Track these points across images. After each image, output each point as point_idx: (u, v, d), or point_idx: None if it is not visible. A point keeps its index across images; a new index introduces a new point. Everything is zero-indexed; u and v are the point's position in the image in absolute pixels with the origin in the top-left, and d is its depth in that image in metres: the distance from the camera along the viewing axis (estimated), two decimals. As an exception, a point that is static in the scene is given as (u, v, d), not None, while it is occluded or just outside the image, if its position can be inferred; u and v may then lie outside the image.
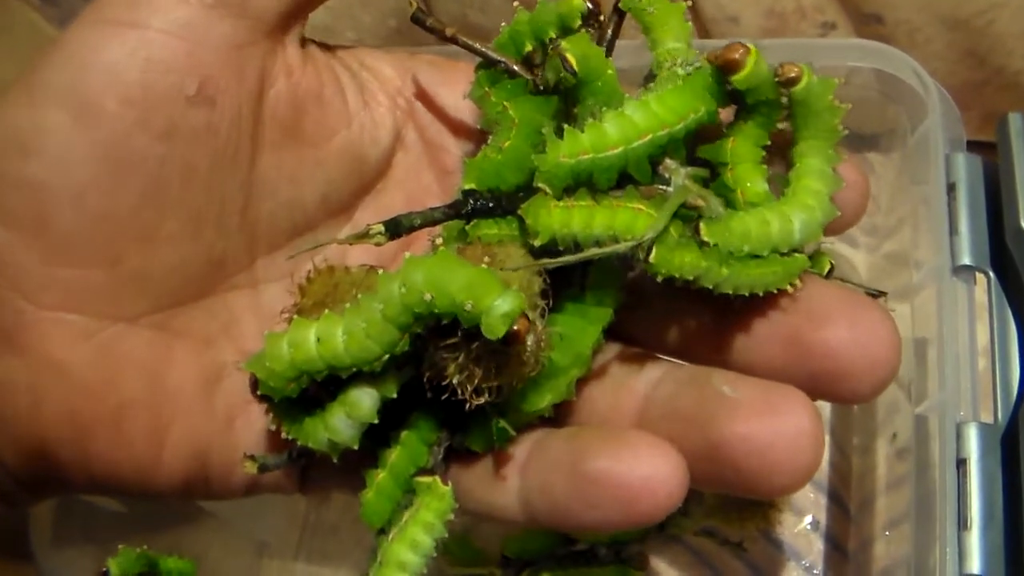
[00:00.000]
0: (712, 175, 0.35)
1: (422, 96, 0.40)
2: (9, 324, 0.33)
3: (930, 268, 0.45)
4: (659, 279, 0.31)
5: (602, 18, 0.37)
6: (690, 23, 0.36)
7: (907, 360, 0.47)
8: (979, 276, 0.44)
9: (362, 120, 0.39)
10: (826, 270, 0.38)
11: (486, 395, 0.31)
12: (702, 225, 0.32)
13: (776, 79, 0.32)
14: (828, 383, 0.32)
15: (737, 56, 0.31)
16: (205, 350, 0.36)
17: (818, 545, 0.57)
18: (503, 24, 0.37)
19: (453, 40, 0.37)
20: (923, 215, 0.47)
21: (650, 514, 0.31)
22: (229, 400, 0.37)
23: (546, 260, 0.32)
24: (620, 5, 0.37)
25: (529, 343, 0.30)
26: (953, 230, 0.45)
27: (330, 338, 0.31)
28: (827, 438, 0.60)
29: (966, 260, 0.44)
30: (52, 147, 0.32)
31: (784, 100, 0.33)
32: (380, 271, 0.34)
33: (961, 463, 0.40)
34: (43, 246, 0.33)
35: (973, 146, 0.47)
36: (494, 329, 0.29)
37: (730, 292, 0.32)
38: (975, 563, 0.38)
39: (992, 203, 0.45)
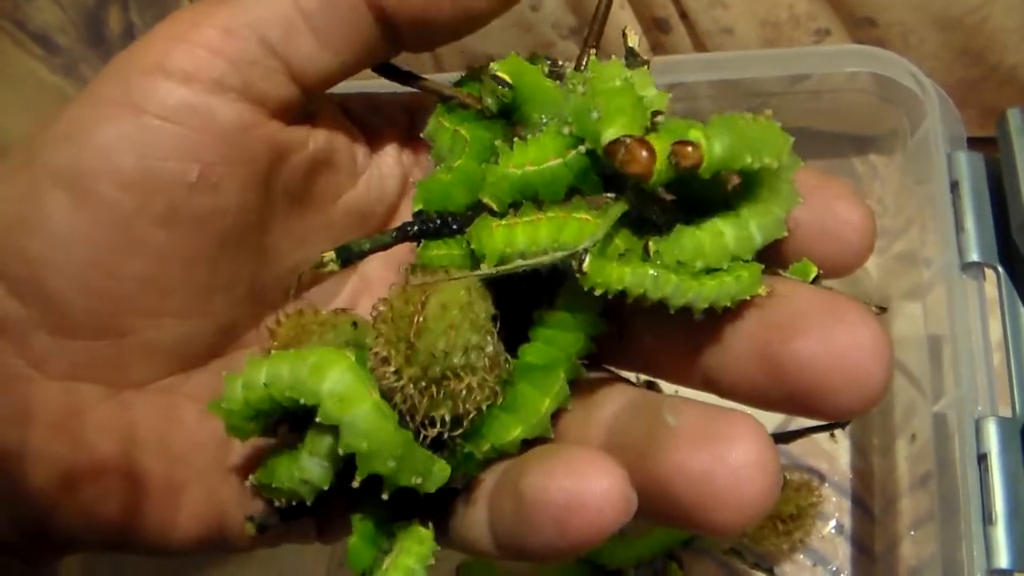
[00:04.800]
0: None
1: (425, 148, 0.39)
2: (18, 393, 0.32)
3: (939, 266, 0.45)
4: (596, 292, 0.29)
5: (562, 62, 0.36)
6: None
7: (922, 359, 0.47)
8: (988, 272, 0.45)
9: (369, 176, 0.38)
10: (811, 276, 0.34)
11: (438, 425, 0.30)
12: (651, 243, 0.30)
13: (674, 166, 0.28)
14: (806, 400, 0.29)
15: (639, 171, 0.28)
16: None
17: (844, 549, 0.57)
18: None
19: (408, 81, 0.37)
20: (929, 214, 0.48)
21: (586, 534, 0.28)
22: (242, 459, 0.36)
23: (473, 271, 0.30)
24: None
25: (477, 367, 0.30)
26: (959, 228, 0.45)
27: (277, 379, 0.31)
28: (847, 441, 0.60)
29: (974, 256, 0.44)
30: (52, 225, 0.31)
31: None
32: (350, 313, 0.35)
33: (982, 458, 0.40)
34: (47, 317, 0.32)
35: (974, 142, 0.48)
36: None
37: (683, 306, 0.29)
38: (1003, 558, 0.38)
39: (996, 199, 0.46)
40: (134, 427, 0.34)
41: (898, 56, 0.50)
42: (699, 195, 0.31)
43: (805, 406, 0.29)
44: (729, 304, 0.29)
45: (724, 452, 0.27)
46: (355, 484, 0.31)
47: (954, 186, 0.46)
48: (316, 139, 0.36)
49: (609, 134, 0.29)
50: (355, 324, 0.34)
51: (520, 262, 0.30)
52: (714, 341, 0.31)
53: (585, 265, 0.28)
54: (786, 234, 0.30)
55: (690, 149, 0.27)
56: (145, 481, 0.34)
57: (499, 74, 0.33)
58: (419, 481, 0.31)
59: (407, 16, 0.33)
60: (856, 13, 0.59)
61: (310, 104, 0.36)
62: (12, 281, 0.32)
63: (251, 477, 0.34)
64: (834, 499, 0.59)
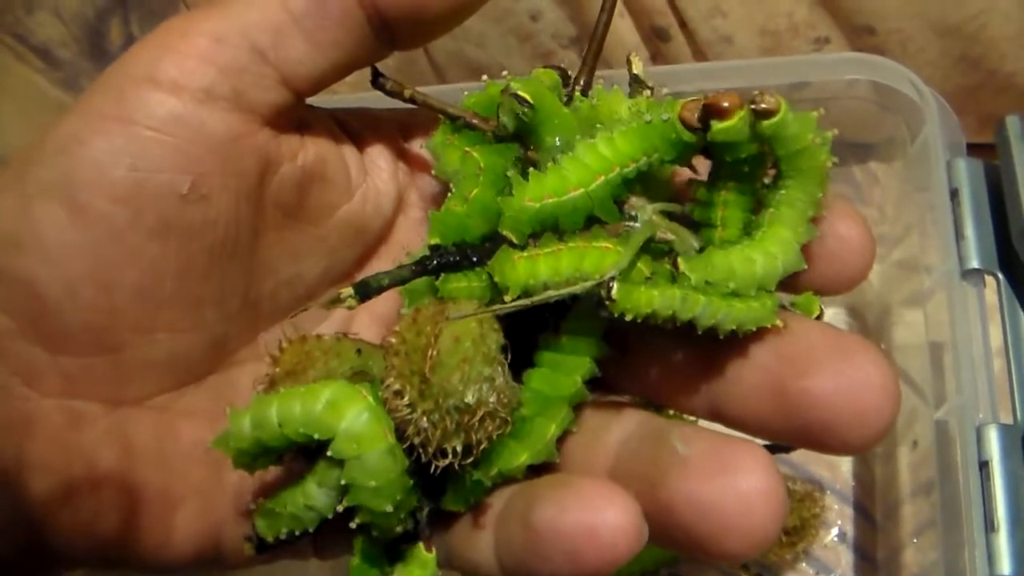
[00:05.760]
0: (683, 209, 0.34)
1: (421, 163, 0.40)
2: (13, 411, 0.32)
3: (939, 273, 0.45)
4: (627, 318, 0.29)
5: (570, 73, 0.37)
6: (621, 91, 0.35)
7: (923, 366, 0.47)
8: (988, 279, 0.45)
9: (364, 190, 0.38)
10: (815, 314, 0.35)
11: (450, 456, 0.30)
12: (681, 260, 0.30)
13: (751, 106, 0.29)
14: (815, 435, 0.29)
15: (726, 104, 0.29)
16: (211, 428, 0.34)
17: (846, 557, 0.57)
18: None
19: (412, 100, 0.37)
20: (929, 221, 0.48)
21: (598, 566, 0.28)
22: (238, 476, 0.35)
23: (497, 306, 0.31)
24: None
25: (489, 400, 0.30)
26: (959, 235, 0.45)
27: (289, 417, 0.31)
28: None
29: (974, 263, 0.44)
30: (44, 241, 0.31)
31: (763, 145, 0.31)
32: (354, 339, 0.34)
33: (984, 465, 0.40)
34: (42, 334, 0.32)
35: (972, 149, 0.48)
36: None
37: (709, 327, 0.30)
38: (1005, 564, 0.38)
39: (995, 205, 0.46)
40: (130, 444, 0.34)
41: (897, 64, 0.50)
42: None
43: (813, 440, 0.30)
44: (753, 329, 0.30)
45: (735, 482, 0.28)
46: (340, 508, 0.31)
47: (954, 193, 0.46)
48: (308, 150, 0.36)
49: (684, 101, 0.30)
50: (359, 351, 0.34)
51: (551, 293, 0.30)
52: (723, 372, 0.32)
53: (614, 292, 0.29)
54: (805, 267, 0.31)
55: (768, 97, 0.28)
56: (140, 498, 0.34)
57: (520, 93, 0.32)
58: (399, 530, 0.32)
59: (400, 11, 0.33)
60: (855, 21, 0.60)
61: (303, 110, 0.36)
62: (5, 299, 0.32)
63: (252, 503, 0.34)
64: (836, 507, 0.58)
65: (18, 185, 0.32)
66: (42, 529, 0.33)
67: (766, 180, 0.32)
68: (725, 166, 0.31)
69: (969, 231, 0.45)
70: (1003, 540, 0.39)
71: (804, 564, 0.57)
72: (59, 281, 0.31)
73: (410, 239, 0.39)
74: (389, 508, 0.31)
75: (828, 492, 0.59)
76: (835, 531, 0.58)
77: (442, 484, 0.33)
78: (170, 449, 0.35)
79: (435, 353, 0.30)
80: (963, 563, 0.40)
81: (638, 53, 0.65)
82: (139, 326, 0.33)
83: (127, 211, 0.31)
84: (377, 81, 0.37)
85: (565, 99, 0.36)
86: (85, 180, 0.31)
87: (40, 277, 0.31)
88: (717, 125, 0.29)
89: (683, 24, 0.62)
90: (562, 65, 0.38)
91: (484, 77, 0.37)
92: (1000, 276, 0.44)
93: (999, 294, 0.44)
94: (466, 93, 0.37)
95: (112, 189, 0.31)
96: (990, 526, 0.39)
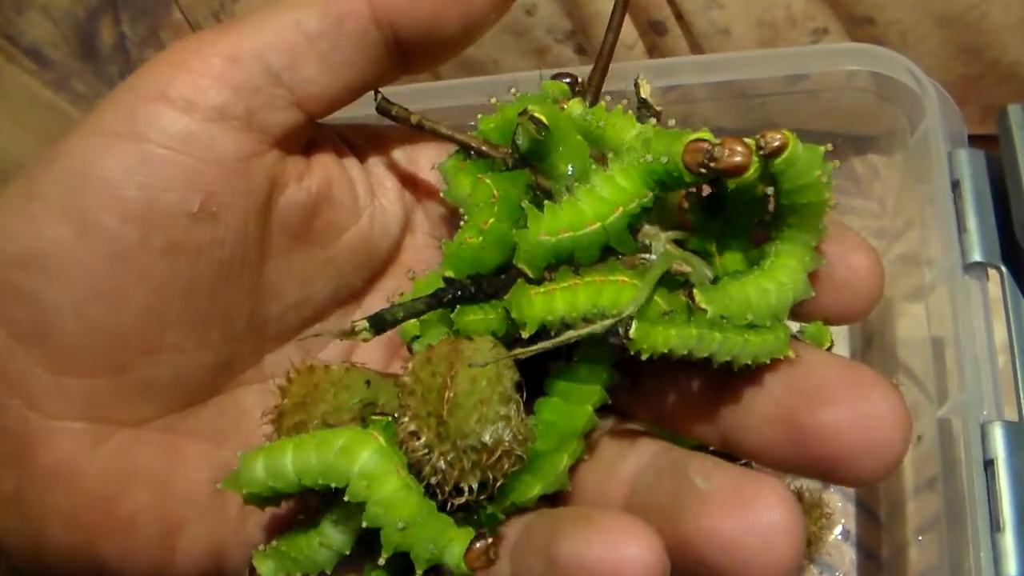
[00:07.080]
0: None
1: (427, 182, 0.40)
2: (14, 433, 0.32)
3: (941, 267, 0.45)
4: (643, 357, 0.29)
5: (580, 80, 0.38)
6: (633, 115, 0.35)
7: (926, 362, 0.47)
8: (991, 272, 0.44)
9: (372, 212, 0.38)
10: (826, 344, 0.35)
11: (466, 494, 0.31)
12: (697, 292, 0.30)
13: (758, 149, 0.29)
14: (828, 467, 0.30)
15: (738, 160, 0.29)
16: (215, 449, 0.35)
17: (850, 555, 0.57)
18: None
19: (419, 127, 0.37)
20: (930, 214, 0.47)
21: None
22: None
23: (518, 350, 0.31)
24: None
25: (506, 439, 0.30)
26: (961, 227, 0.44)
27: (306, 468, 0.31)
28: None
29: (977, 257, 0.44)
30: (52, 260, 0.31)
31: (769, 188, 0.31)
32: (362, 369, 0.34)
33: (989, 464, 0.40)
34: (46, 355, 0.31)
35: (973, 140, 0.47)
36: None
37: (725, 361, 0.30)
38: (1012, 564, 0.38)
39: (998, 197, 0.45)
40: (133, 466, 0.33)
41: (896, 54, 0.50)
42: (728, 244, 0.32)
43: (826, 472, 0.30)
44: (767, 361, 0.30)
45: (755, 518, 0.28)
46: (381, 561, 0.31)
47: (955, 185, 0.45)
48: (315, 172, 0.36)
49: (686, 140, 0.30)
50: (368, 382, 0.34)
51: (571, 333, 0.30)
52: (736, 402, 0.32)
53: (632, 331, 0.29)
54: (813, 295, 0.31)
55: (778, 135, 0.28)
56: (143, 522, 0.33)
57: (537, 115, 0.32)
58: (435, 551, 0.31)
59: (416, 31, 0.33)
60: (854, 12, 0.59)
61: (313, 130, 0.36)
62: (11, 322, 0.31)
63: (262, 544, 0.34)
64: (839, 505, 0.58)
65: (26, 203, 0.31)
66: (40, 555, 0.32)
67: (769, 208, 0.32)
68: (730, 202, 0.32)
69: (971, 224, 0.44)
70: (1009, 540, 0.38)
71: (807, 563, 0.56)
72: (65, 301, 0.31)
73: (418, 260, 0.40)
74: (413, 533, 0.31)
75: (831, 489, 0.58)
76: (839, 529, 0.57)
77: (454, 514, 0.33)
78: (173, 472, 0.34)
79: (451, 395, 0.30)
80: (969, 563, 0.39)
81: (634, 48, 0.64)
82: (145, 347, 0.33)
83: (136, 230, 0.31)
84: (382, 107, 0.37)
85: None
86: (95, 199, 0.31)
87: (46, 296, 0.31)
88: (731, 184, 0.29)
89: (679, 16, 0.62)
90: (570, 72, 0.38)
91: (493, 100, 0.37)
92: (1003, 269, 0.44)
93: (1003, 288, 0.44)
94: (480, 116, 0.37)
95: (122, 207, 0.31)
96: (996, 525, 0.38)
